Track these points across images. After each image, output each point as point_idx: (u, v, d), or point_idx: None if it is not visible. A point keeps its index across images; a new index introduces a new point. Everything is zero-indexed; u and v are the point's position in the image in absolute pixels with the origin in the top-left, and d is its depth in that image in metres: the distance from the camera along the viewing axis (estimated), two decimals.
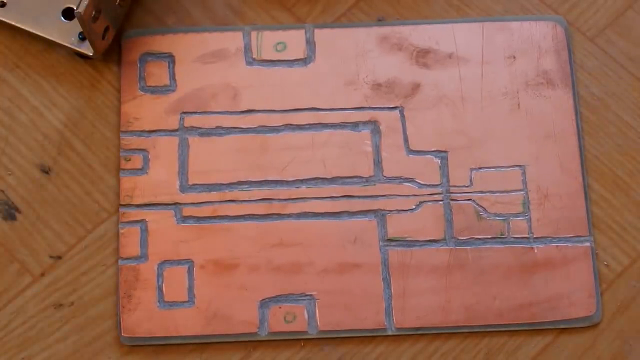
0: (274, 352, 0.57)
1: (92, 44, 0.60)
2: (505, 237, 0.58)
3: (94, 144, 0.61)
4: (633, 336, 0.57)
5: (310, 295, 0.57)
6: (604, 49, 0.63)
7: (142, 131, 0.60)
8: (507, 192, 0.59)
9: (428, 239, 0.58)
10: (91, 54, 0.61)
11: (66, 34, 0.61)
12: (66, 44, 0.61)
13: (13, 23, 0.61)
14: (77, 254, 0.59)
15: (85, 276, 0.58)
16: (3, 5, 0.61)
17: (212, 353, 0.57)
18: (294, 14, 0.63)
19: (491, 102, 0.61)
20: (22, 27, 0.61)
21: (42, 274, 0.58)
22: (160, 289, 0.58)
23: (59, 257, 0.59)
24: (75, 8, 0.57)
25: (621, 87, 0.62)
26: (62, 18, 0.61)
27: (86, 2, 0.56)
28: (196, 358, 0.57)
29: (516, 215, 0.59)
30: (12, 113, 0.61)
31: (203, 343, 0.57)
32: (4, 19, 0.61)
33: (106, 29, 0.60)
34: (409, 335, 0.57)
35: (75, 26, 0.60)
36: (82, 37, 0.60)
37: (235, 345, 0.57)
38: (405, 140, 0.60)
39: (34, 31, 0.61)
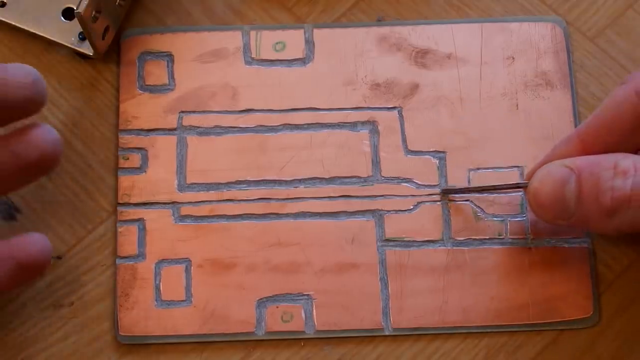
0: (274, 351, 0.57)
1: (92, 44, 0.60)
2: (503, 238, 0.58)
3: (94, 144, 0.61)
4: (632, 337, 0.57)
5: (308, 295, 0.57)
6: (604, 49, 0.62)
7: (140, 130, 0.60)
8: (505, 192, 0.59)
9: (426, 239, 0.58)
10: (91, 54, 0.61)
11: (66, 34, 0.61)
12: (66, 44, 0.61)
13: (13, 23, 0.61)
14: (77, 254, 0.59)
15: (85, 276, 0.58)
16: (3, 5, 0.61)
17: (212, 353, 0.57)
18: (294, 14, 0.63)
19: (490, 103, 0.61)
20: (22, 27, 0.61)
21: (42, 274, 0.58)
22: (157, 287, 0.57)
23: (59, 257, 0.59)
24: (75, 8, 0.57)
25: None
26: (62, 18, 0.61)
27: (86, 2, 0.56)
28: (196, 358, 0.57)
29: (514, 216, 0.59)
30: None
31: (201, 342, 0.57)
32: (4, 19, 0.61)
33: (106, 29, 0.60)
34: (407, 335, 0.57)
35: (75, 26, 0.60)
36: (82, 37, 0.61)
37: (235, 345, 0.57)
38: (404, 140, 0.60)
39: (34, 31, 0.61)
